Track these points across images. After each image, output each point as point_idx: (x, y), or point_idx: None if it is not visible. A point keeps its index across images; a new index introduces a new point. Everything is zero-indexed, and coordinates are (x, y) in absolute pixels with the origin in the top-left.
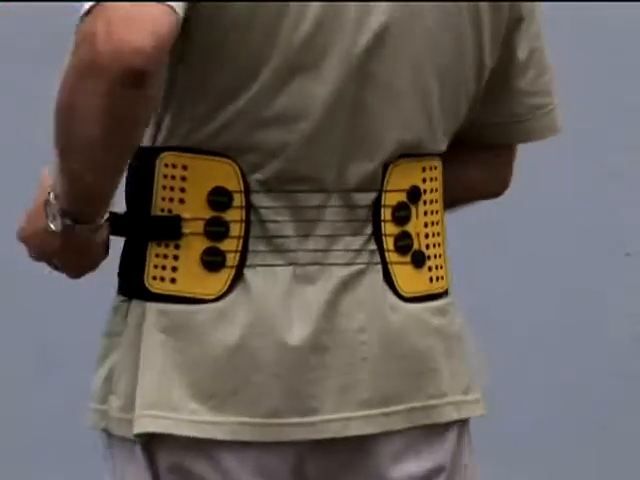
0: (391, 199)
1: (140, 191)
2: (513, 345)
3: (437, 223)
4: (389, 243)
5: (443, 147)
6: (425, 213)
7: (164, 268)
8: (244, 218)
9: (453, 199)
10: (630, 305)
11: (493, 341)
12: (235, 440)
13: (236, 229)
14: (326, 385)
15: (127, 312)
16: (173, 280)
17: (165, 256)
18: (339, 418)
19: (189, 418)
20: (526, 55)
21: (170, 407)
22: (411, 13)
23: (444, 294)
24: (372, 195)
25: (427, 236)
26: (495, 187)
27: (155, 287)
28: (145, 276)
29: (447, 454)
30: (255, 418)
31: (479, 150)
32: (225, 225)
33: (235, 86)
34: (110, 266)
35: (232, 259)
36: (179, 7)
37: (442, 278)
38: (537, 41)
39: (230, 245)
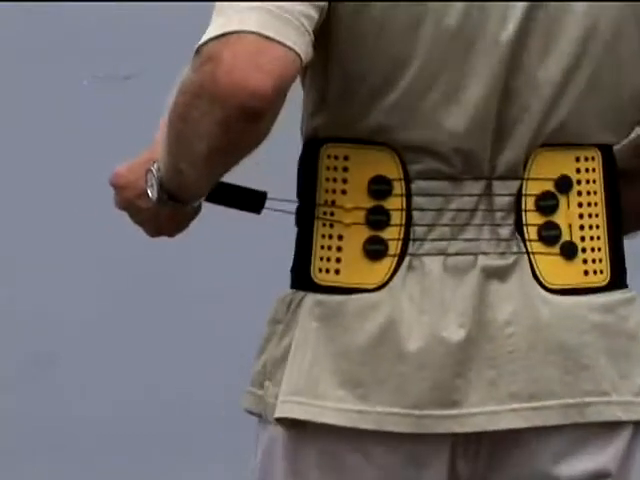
0: (534, 188)
1: (306, 183)
2: None
3: (596, 215)
4: (532, 233)
5: (605, 138)
6: (580, 204)
7: (329, 260)
8: (405, 206)
9: None
10: None
11: None
12: (379, 430)
13: (397, 217)
14: (471, 378)
15: (290, 302)
16: (337, 271)
17: (329, 248)
18: (485, 412)
19: (335, 406)
20: None
21: (316, 395)
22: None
23: (607, 288)
24: (516, 184)
25: (582, 228)
26: None
27: (320, 279)
28: (312, 269)
29: (614, 458)
30: (399, 409)
31: None
32: (386, 214)
33: (384, 82)
34: (107, 273)
35: (394, 247)
36: (304, 51)
37: (601, 272)
38: None
39: (392, 233)
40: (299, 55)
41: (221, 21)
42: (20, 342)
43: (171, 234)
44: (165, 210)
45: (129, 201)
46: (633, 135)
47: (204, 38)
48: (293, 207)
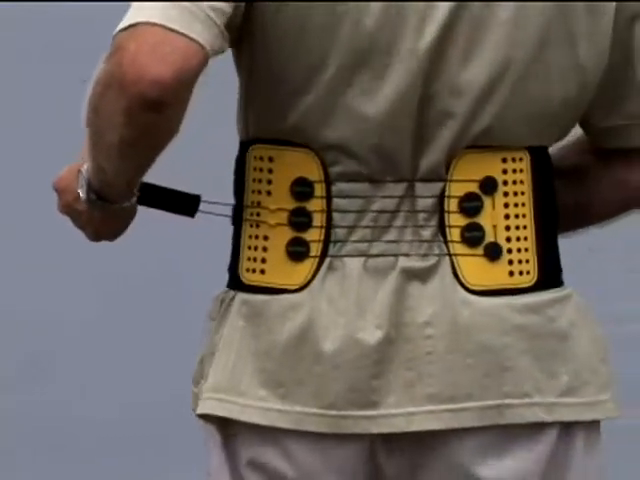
0: (457, 190)
1: (238, 184)
2: None
3: (524, 216)
4: (454, 234)
5: (534, 142)
6: (506, 205)
7: (255, 260)
8: (325, 208)
9: (619, 205)
10: (593, 301)
11: None
12: (299, 430)
13: (318, 219)
14: (390, 379)
15: (222, 300)
16: (263, 271)
17: (255, 248)
18: (403, 413)
19: (257, 405)
20: None
21: (238, 393)
22: (481, 5)
23: (534, 289)
24: (438, 185)
25: (508, 228)
26: None
27: (247, 278)
28: (240, 268)
29: (539, 459)
30: (317, 409)
31: (622, 154)
32: (308, 215)
33: (303, 81)
34: (101, 276)
35: (316, 249)
36: (209, 43)
37: (528, 273)
38: None
39: (313, 235)
40: (203, 47)
41: (132, 14)
42: (20, 342)
43: (109, 238)
44: (97, 211)
45: (69, 205)
46: (573, 135)
47: (116, 29)
48: (229, 210)
